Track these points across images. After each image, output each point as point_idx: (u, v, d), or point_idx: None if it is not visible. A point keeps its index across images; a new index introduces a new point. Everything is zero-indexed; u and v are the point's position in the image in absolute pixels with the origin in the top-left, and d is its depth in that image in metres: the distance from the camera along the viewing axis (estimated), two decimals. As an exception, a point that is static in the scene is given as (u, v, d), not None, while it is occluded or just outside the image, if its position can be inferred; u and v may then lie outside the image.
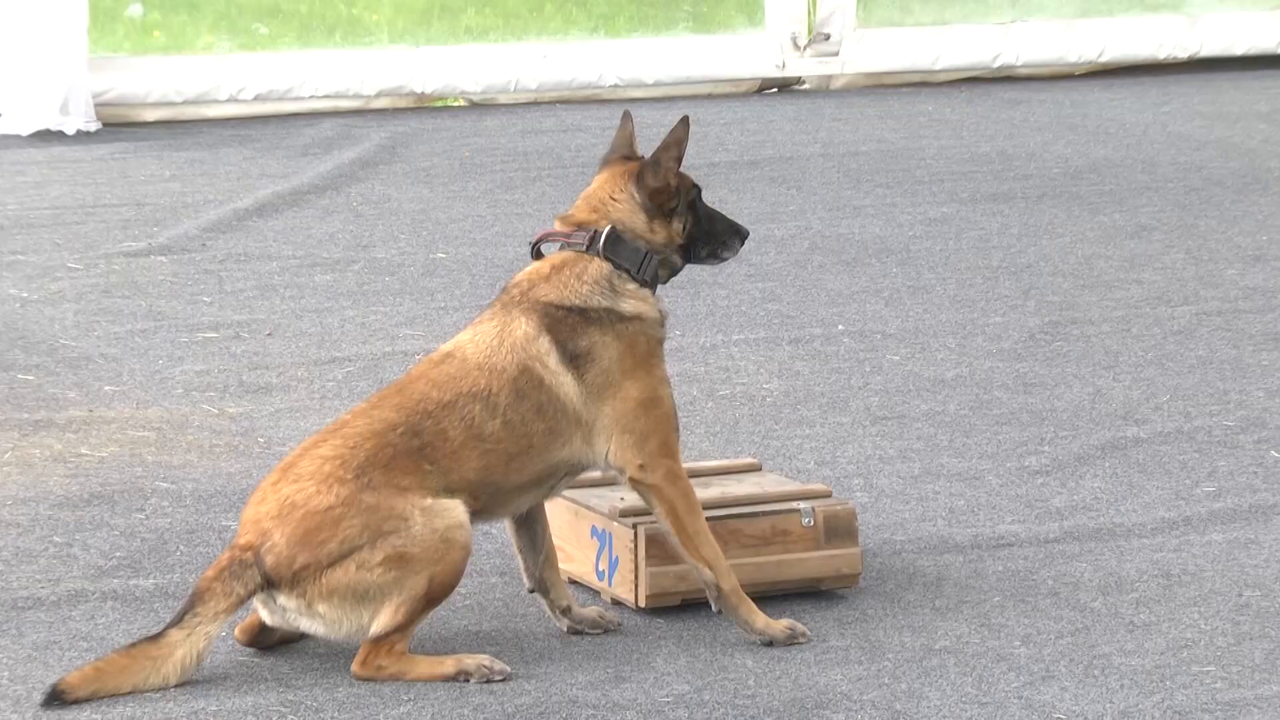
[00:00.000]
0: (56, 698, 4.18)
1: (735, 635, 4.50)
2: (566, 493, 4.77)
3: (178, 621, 4.25)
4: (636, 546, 4.64)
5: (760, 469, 5.15)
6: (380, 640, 4.38)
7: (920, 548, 5.16)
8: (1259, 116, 11.28)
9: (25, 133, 9.96)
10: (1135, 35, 11.67)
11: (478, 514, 4.51)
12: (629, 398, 4.57)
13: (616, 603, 4.67)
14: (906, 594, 4.88)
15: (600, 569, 4.71)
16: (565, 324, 4.54)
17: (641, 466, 4.53)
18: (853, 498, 5.10)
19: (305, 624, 4.39)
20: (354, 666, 4.36)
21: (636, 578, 4.62)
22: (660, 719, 4.21)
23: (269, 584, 4.34)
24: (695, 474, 4.90)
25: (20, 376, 6.67)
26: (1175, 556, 5.12)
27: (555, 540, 4.78)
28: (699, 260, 4.79)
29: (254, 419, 6.27)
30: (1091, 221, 8.91)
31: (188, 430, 6.16)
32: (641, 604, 4.59)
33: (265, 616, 4.43)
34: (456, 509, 4.41)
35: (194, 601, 4.28)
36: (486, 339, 4.55)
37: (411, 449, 4.44)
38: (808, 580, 4.73)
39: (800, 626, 4.58)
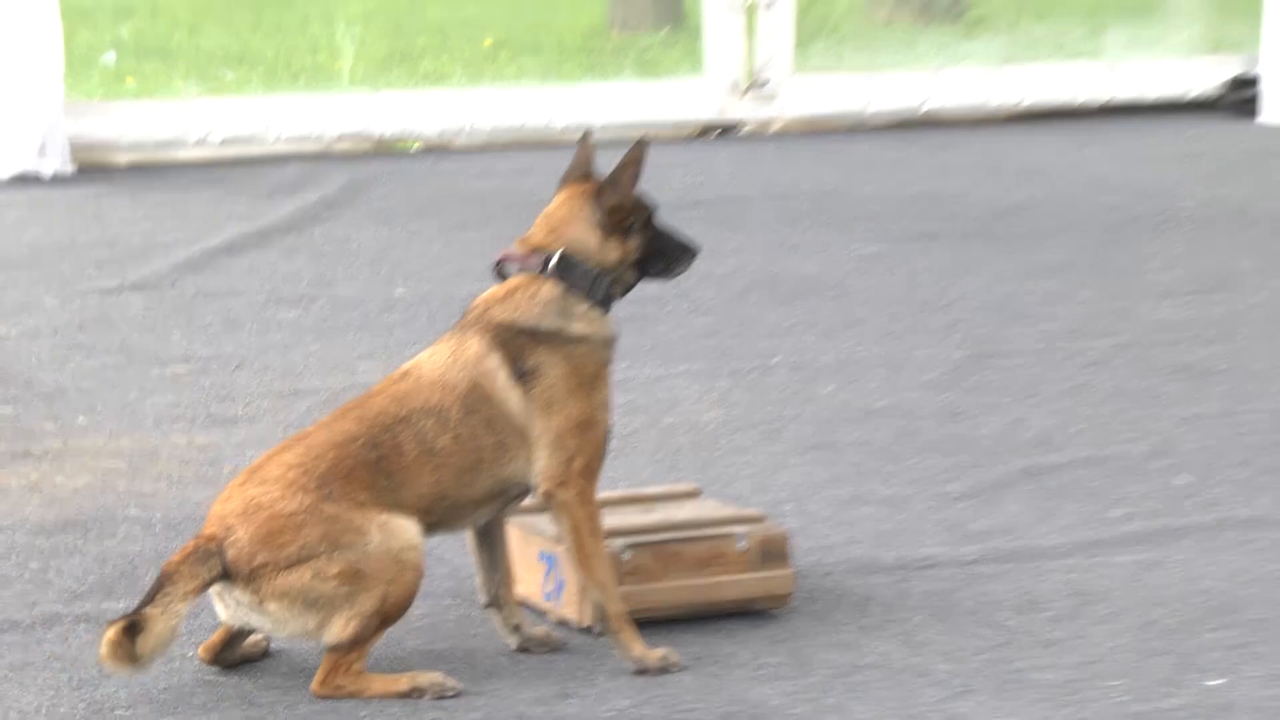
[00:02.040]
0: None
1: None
2: (516, 517, 4.75)
3: (150, 600, 4.29)
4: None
5: (699, 495, 5.16)
6: (338, 660, 4.41)
7: (848, 569, 5.18)
8: (1171, 159, 11.26)
9: (4, 176, 10.00)
10: (1055, 82, 11.72)
11: (433, 527, 4.54)
12: (568, 416, 4.60)
13: (562, 623, 4.66)
14: (835, 613, 4.91)
15: (547, 590, 4.72)
16: (515, 343, 4.59)
17: (561, 483, 4.57)
18: (786, 522, 5.11)
19: (254, 619, 4.43)
20: (314, 685, 4.37)
21: (582, 599, 4.65)
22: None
23: (226, 575, 4.37)
24: (637, 499, 5.04)
25: (1, 410, 6.82)
26: (1087, 577, 5.14)
27: (523, 573, 4.84)
28: (653, 277, 4.82)
29: (221, 449, 6.24)
30: (1013, 259, 8.94)
31: (157, 460, 6.13)
32: (586, 624, 4.60)
33: (219, 609, 4.44)
34: (411, 530, 4.44)
35: (163, 583, 4.30)
36: (441, 357, 4.59)
37: (369, 461, 4.48)
38: (742, 600, 4.76)
39: (674, 656, 4.57)
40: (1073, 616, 4.82)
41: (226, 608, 4.40)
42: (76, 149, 10.04)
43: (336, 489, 4.43)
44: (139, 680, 4.39)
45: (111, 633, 4.23)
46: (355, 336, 7.53)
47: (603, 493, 4.71)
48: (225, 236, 8.86)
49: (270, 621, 4.41)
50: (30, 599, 4.93)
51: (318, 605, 4.40)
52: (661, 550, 4.65)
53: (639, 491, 5.17)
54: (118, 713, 4.26)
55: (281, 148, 10.42)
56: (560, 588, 4.73)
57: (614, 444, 4.77)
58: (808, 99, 11.33)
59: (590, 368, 4.63)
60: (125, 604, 4.67)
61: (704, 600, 4.71)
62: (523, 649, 4.64)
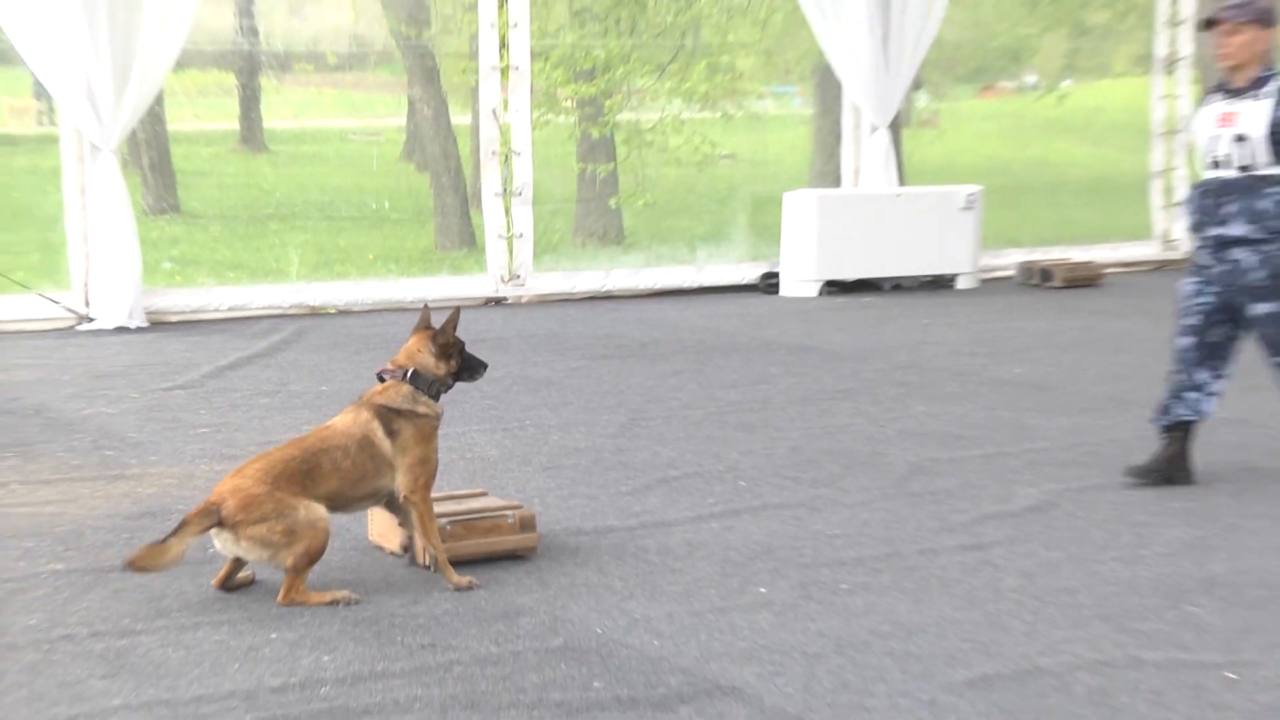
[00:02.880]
0: (129, 566, 5.28)
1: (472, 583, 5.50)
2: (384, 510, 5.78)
3: (172, 534, 5.31)
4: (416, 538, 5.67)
5: (487, 494, 6.18)
6: (290, 581, 5.41)
7: (566, 533, 6.25)
8: (733, 315, 12.95)
9: (110, 327, 11.39)
10: (663, 275, 13.79)
11: (335, 510, 5.58)
12: (415, 456, 5.67)
13: (413, 564, 5.75)
14: (560, 556, 5.93)
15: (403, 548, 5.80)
16: (386, 416, 5.67)
17: (411, 491, 5.66)
18: (534, 509, 6.16)
19: (236, 551, 5.41)
20: (278, 598, 5.42)
21: (422, 552, 5.71)
22: (432, 619, 5.24)
23: (220, 524, 5.34)
24: (454, 496, 6.03)
25: (108, 453, 7.66)
26: (694, 536, 6.25)
27: (379, 532, 5.94)
28: (463, 380, 5.89)
29: (225, 474, 6.73)
30: (654, 368, 10.27)
31: (193, 479, 7.12)
32: (425, 564, 5.72)
33: (217, 545, 5.38)
34: (322, 510, 5.48)
35: (182, 525, 5.33)
36: (347, 419, 5.72)
37: (302, 471, 5.51)
38: (510, 551, 5.84)
39: (476, 581, 5.57)
40: (687, 555, 5.99)
41: (221, 544, 5.43)
42: (149, 313, 11.74)
43: (283, 484, 5.45)
44: (184, 596, 5.42)
45: (144, 547, 5.32)
46: (300, 413, 8.62)
47: (435, 495, 5.80)
48: (228, 360, 10.18)
49: (244, 553, 5.41)
50: (125, 553, 5.56)
51: (271, 546, 5.38)
52: (466, 524, 5.75)
53: (455, 492, 6.22)
54: (172, 614, 5.29)
55: (259, 312, 11.97)
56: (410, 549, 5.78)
57: (440, 469, 5.86)
58: (541, 285, 13.32)
59: (427, 430, 5.75)
60: None
61: (489, 552, 5.79)
62: (412, 563, 5.77)
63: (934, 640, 5.05)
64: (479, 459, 7.53)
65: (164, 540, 5.31)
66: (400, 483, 5.69)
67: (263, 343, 10.76)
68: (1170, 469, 7.11)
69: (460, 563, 5.65)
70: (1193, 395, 7.07)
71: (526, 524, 5.91)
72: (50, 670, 4.80)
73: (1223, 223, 6.85)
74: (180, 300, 12.03)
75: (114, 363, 10.02)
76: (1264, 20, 6.79)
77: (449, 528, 5.73)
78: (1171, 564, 5.91)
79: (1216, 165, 6.80)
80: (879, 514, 6.62)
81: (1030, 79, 20.87)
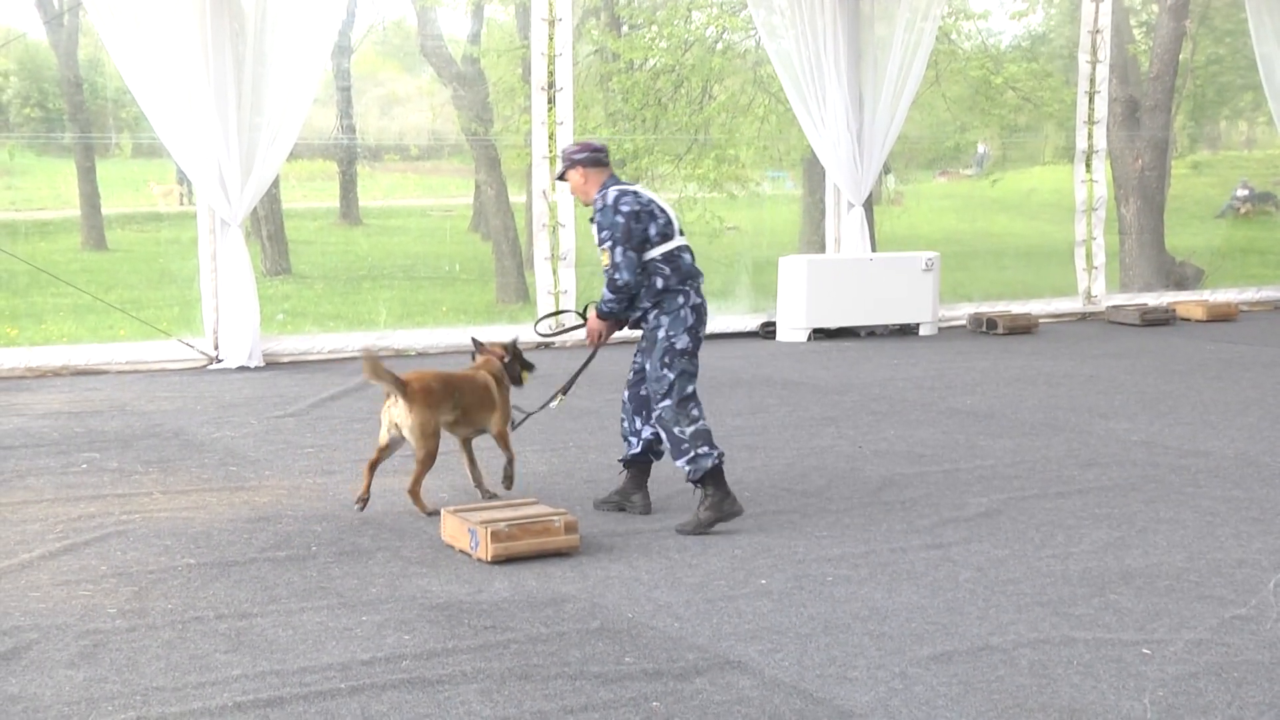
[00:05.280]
0: (366, 354, 6.21)
1: (530, 569, 5.51)
2: (457, 508, 5.89)
3: (386, 371, 6.08)
4: (486, 535, 5.68)
5: (538, 502, 6.16)
6: (419, 475, 6.26)
7: (602, 534, 6.09)
8: (734, 357, 12.32)
9: (233, 367, 11.29)
10: None
11: (450, 429, 6.39)
12: (505, 405, 6.58)
13: (478, 559, 5.66)
14: (597, 553, 5.89)
15: (473, 543, 5.75)
16: (499, 376, 6.64)
17: (500, 432, 6.53)
18: (577, 515, 6.14)
19: (402, 419, 6.17)
20: (408, 487, 6.26)
21: (486, 547, 5.67)
22: (493, 605, 5.22)
23: (404, 393, 6.13)
24: (511, 504, 5.96)
25: (231, 469, 7.62)
26: (706, 537, 6.13)
27: (450, 534, 5.87)
28: (525, 368, 6.81)
29: (327, 486, 7.16)
30: None
31: (300, 491, 7.13)
32: (488, 559, 5.66)
33: (392, 411, 6.17)
34: (439, 427, 6.27)
35: (389, 371, 6.13)
36: (470, 374, 6.59)
37: (452, 393, 6.38)
38: (557, 549, 5.80)
39: (435, 511, 6.17)
40: (701, 553, 5.80)
41: (396, 412, 6.14)
42: (265, 355, 11.63)
43: (444, 393, 6.29)
44: (292, 585, 5.37)
45: (373, 358, 6.10)
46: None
47: (494, 504, 5.88)
48: (329, 393, 10.16)
49: (403, 424, 6.16)
50: (245, 550, 5.92)
51: (420, 433, 6.19)
52: (522, 527, 5.75)
53: (510, 502, 6.15)
54: (282, 600, 5.16)
55: (354, 354, 11.71)
56: (476, 541, 5.72)
57: (501, 481, 5.75)
58: (582, 332, 11.87)
59: (508, 392, 6.63)
60: (286, 553, 5.83)
61: (540, 550, 5.78)
62: (485, 495, 6.55)
63: (904, 622, 5.03)
64: (531, 473, 7.49)
65: (381, 363, 6.11)
66: (494, 420, 6.49)
67: (356, 380, 10.64)
68: None
69: (515, 559, 5.69)
70: None
71: (570, 527, 5.92)
72: (183, 646, 4.79)
73: None
74: (290, 345, 12.02)
75: (237, 395, 10.04)
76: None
77: (507, 529, 5.69)
78: (1096, 559, 5.89)
79: None
80: (858, 519, 6.59)
81: (969, 171, 20.86)
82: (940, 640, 4.83)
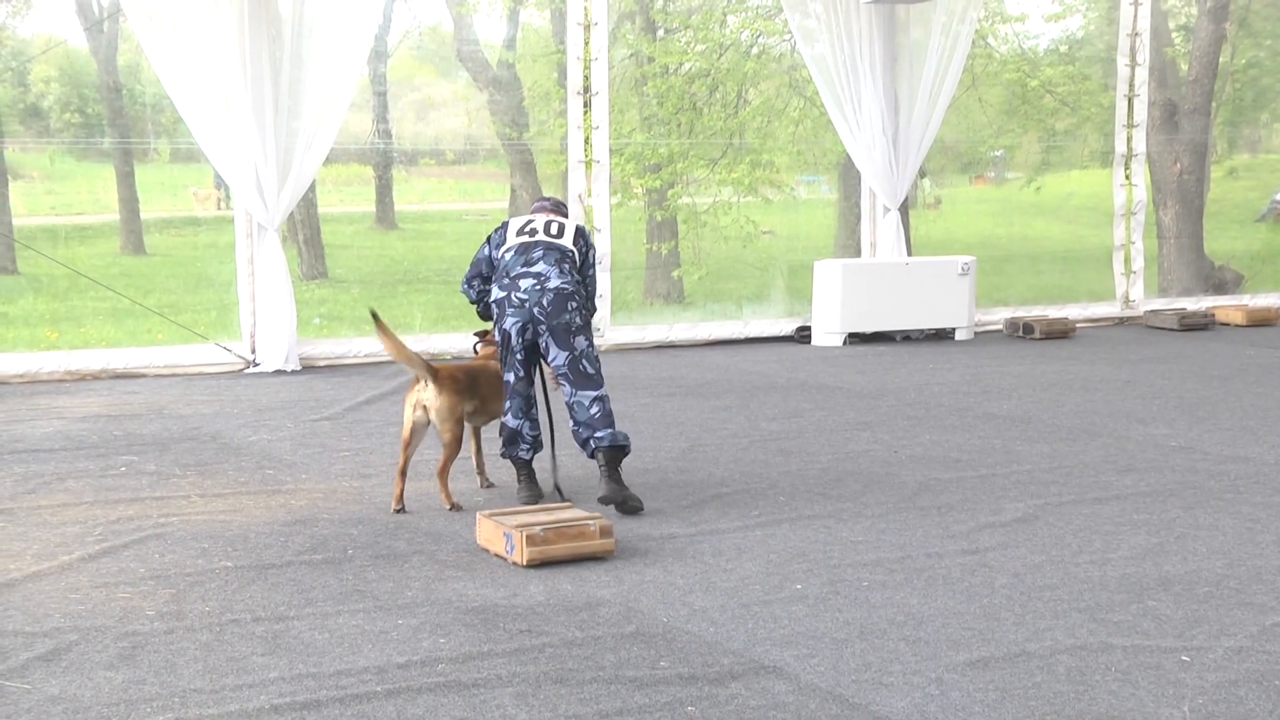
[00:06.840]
0: (376, 316, 6.37)
1: (584, 570, 5.52)
2: (493, 512, 5.85)
3: (411, 351, 6.31)
4: (522, 539, 5.69)
5: (573, 506, 6.20)
6: (445, 461, 6.41)
7: (637, 538, 6.13)
8: (769, 361, 12.59)
9: (270, 370, 11.38)
10: (715, 328, 13.65)
11: (469, 415, 6.60)
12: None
13: (513, 563, 5.66)
14: (632, 557, 5.90)
15: (507, 548, 5.76)
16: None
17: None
18: (611, 519, 6.28)
19: (431, 402, 6.37)
20: (437, 469, 6.45)
21: (521, 551, 5.68)
22: (528, 609, 5.19)
23: (434, 379, 6.35)
24: (547, 508, 5.97)
25: (268, 473, 7.60)
26: (741, 541, 6.10)
27: (485, 537, 5.83)
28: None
29: (363, 490, 7.19)
30: (708, 403, 10.08)
31: (335, 494, 7.15)
32: (523, 562, 5.67)
33: (422, 395, 6.36)
34: (464, 414, 6.50)
35: (417, 355, 6.34)
36: (481, 364, 6.88)
37: (472, 380, 6.60)
38: (592, 553, 5.79)
39: (458, 506, 6.45)
40: (736, 557, 5.80)
41: (425, 395, 6.33)
42: (302, 359, 11.62)
43: (469, 380, 6.52)
44: (328, 589, 5.37)
45: (390, 333, 6.30)
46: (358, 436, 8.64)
47: (532, 509, 5.91)
48: (365, 397, 10.14)
49: (432, 408, 6.34)
50: (281, 554, 5.93)
51: (446, 416, 6.37)
52: (557, 531, 5.76)
53: (546, 506, 6.20)
54: (319, 603, 5.16)
55: (389, 358, 10.16)
56: (511, 546, 5.71)
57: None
58: (617, 336, 13.12)
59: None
60: (323, 556, 5.84)
61: (576, 554, 5.78)
62: (485, 485, 6.92)
63: (940, 628, 5.01)
64: (567, 478, 7.45)
65: (400, 341, 6.33)
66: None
67: (392, 383, 10.71)
68: None
69: (550, 563, 5.72)
70: None
71: (605, 531, 5.90)
72: (221, 648, 4.80)
73: None
74: (327, 349, 12.00)
75: (274, 399, 10.04)
76: None
77: (543, 533, 5.71)
78: (1134, 565, 5.86)
79: None
80: (893, 524, 6.57)
81: (1009, 174, 20.85)
82: (977, 646, 4.81)
